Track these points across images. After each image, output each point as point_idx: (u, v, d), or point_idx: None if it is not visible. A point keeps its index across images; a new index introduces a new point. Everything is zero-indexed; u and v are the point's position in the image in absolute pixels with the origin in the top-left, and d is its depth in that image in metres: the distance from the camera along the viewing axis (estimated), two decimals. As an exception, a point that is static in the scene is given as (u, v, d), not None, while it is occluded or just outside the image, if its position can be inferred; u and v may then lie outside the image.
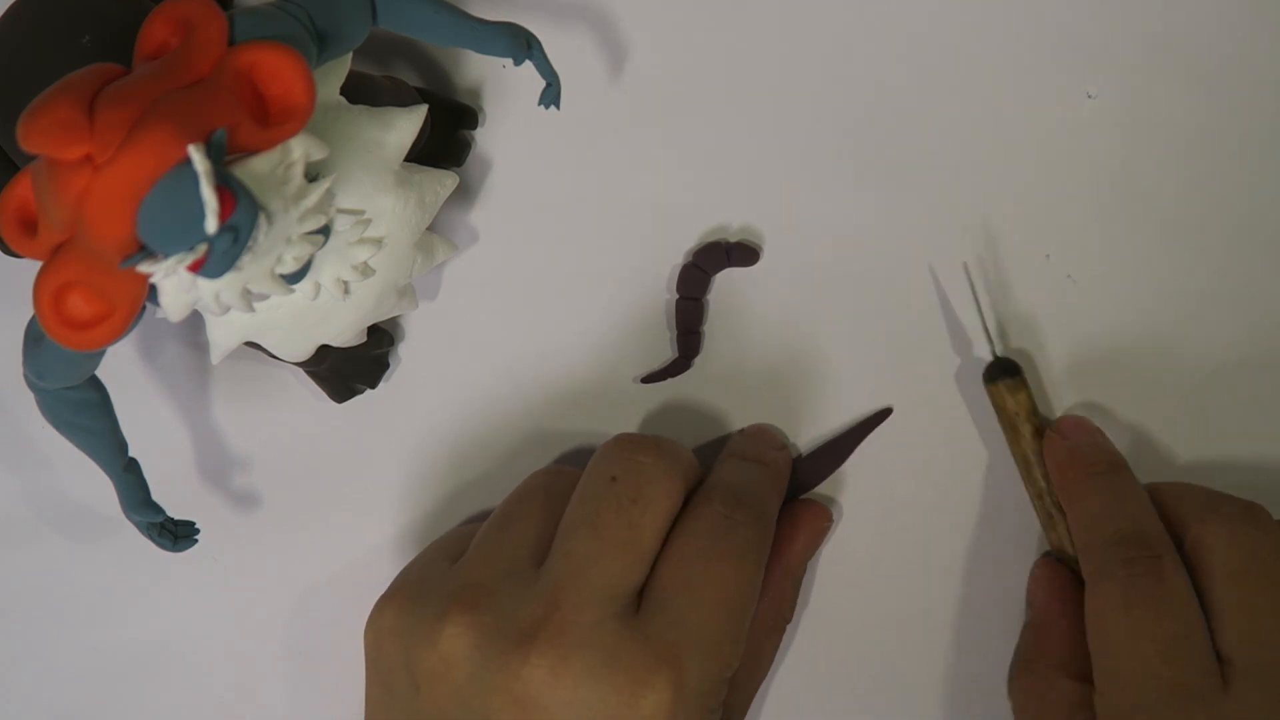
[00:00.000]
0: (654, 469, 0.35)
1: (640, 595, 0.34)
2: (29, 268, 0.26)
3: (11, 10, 0.33)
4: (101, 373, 0.31)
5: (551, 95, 0.34)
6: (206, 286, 0.26)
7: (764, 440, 0.39)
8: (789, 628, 0.39)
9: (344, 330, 0.34)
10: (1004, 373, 0.38)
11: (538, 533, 0.35)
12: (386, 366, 0.40)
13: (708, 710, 0.33)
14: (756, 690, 0.38)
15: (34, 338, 0.30)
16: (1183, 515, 0.36)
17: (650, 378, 0.40)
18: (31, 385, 0.31)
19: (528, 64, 0.33)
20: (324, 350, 0.35)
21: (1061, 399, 0.39)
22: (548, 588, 0.33)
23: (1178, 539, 0.36)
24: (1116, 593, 0.34)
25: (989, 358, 0.38)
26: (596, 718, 0.31)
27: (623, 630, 0.32)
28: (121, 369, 0.40)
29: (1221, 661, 0.33)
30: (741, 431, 0.39)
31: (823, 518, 0.39)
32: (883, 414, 0.39)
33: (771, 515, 0.37)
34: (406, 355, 0.40)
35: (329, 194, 0.28)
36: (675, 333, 0.40)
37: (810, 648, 0.40)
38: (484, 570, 0.34)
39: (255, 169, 0.25)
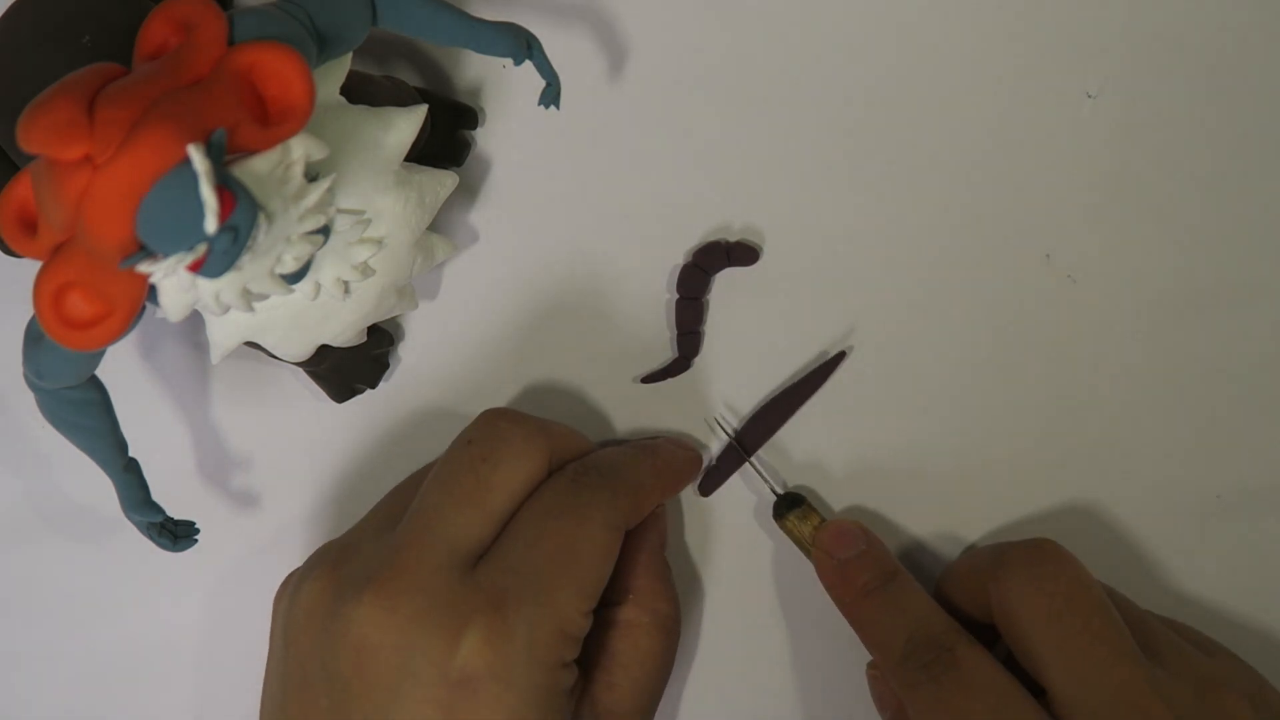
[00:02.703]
0: (511, 433, 0.35)
1: None
2: (29, 268, 0.26)
3: (11, 10, 0.33)
4: (101, 373, 0.31)
5: (551, 95, 0.34)
6: (206, 286, 0.26)
7: (672, 440, 0.39)
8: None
9: (344, 330, 0.34)
10: (790, 506, 0.38)
11: (411, 501, 0.36)
12: (386, 366, 0.40)
13: (542, 664, 0.32)
14: (653, 690, 0.37)
15: (34, 338, 0.30)
16: (981, 582, 0.35)
17: (650, 377, 0.40)
18: (31, 385, 0.31)
19: (528, 64, 0.33)
20: (324, 350, 0.35)
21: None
22: (395, 539, 0.33)
23: (986, 607, 0.35)
24: (928, 699, 0.34)
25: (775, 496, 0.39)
26: (422, 661, 0.31)
27: (455, 578, 0.32)
28: (121, 369, 0.40)
29: (1055, 705, 0.33)
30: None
31: (661, 517, 0.38)
32: (837, 358, 0.39)
33: (631, 484, 0.36)
34: (406, 355, 0.40)
35: (329, 194, 0.28)
36: (675, 333, 0.40)
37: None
38: (357, 534, 0.35)
39: (255, 169, 0.25)
